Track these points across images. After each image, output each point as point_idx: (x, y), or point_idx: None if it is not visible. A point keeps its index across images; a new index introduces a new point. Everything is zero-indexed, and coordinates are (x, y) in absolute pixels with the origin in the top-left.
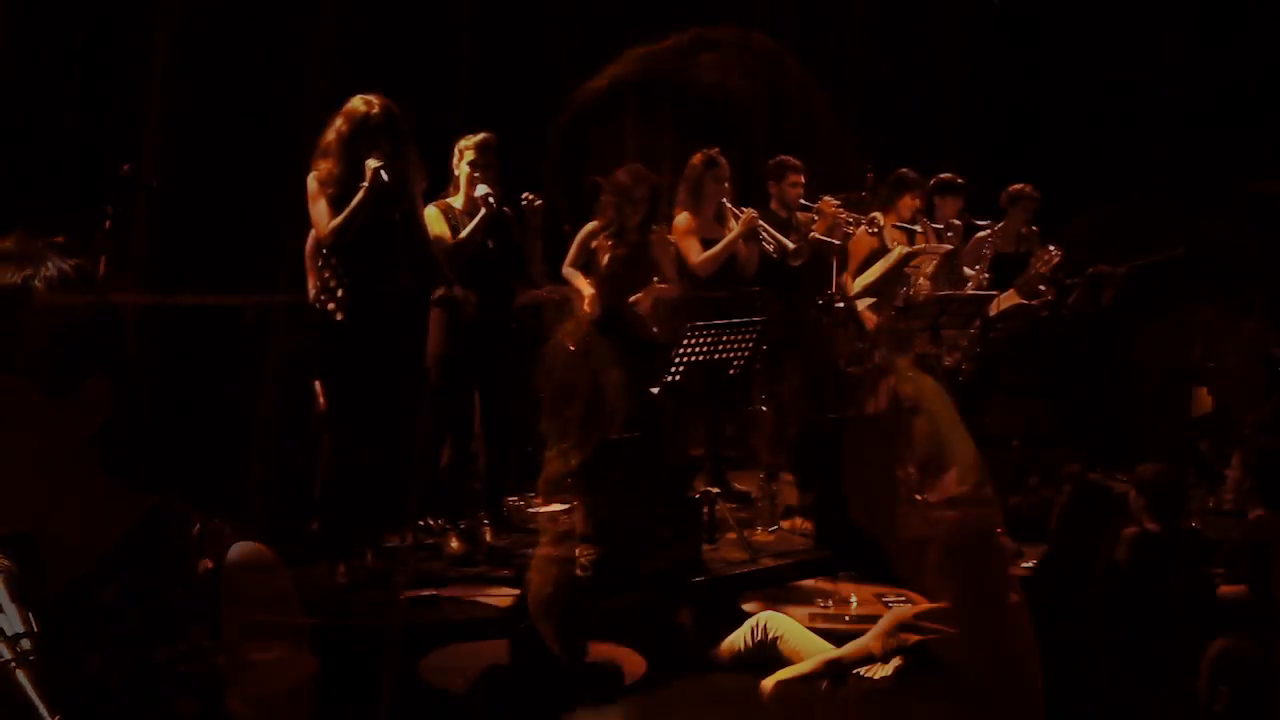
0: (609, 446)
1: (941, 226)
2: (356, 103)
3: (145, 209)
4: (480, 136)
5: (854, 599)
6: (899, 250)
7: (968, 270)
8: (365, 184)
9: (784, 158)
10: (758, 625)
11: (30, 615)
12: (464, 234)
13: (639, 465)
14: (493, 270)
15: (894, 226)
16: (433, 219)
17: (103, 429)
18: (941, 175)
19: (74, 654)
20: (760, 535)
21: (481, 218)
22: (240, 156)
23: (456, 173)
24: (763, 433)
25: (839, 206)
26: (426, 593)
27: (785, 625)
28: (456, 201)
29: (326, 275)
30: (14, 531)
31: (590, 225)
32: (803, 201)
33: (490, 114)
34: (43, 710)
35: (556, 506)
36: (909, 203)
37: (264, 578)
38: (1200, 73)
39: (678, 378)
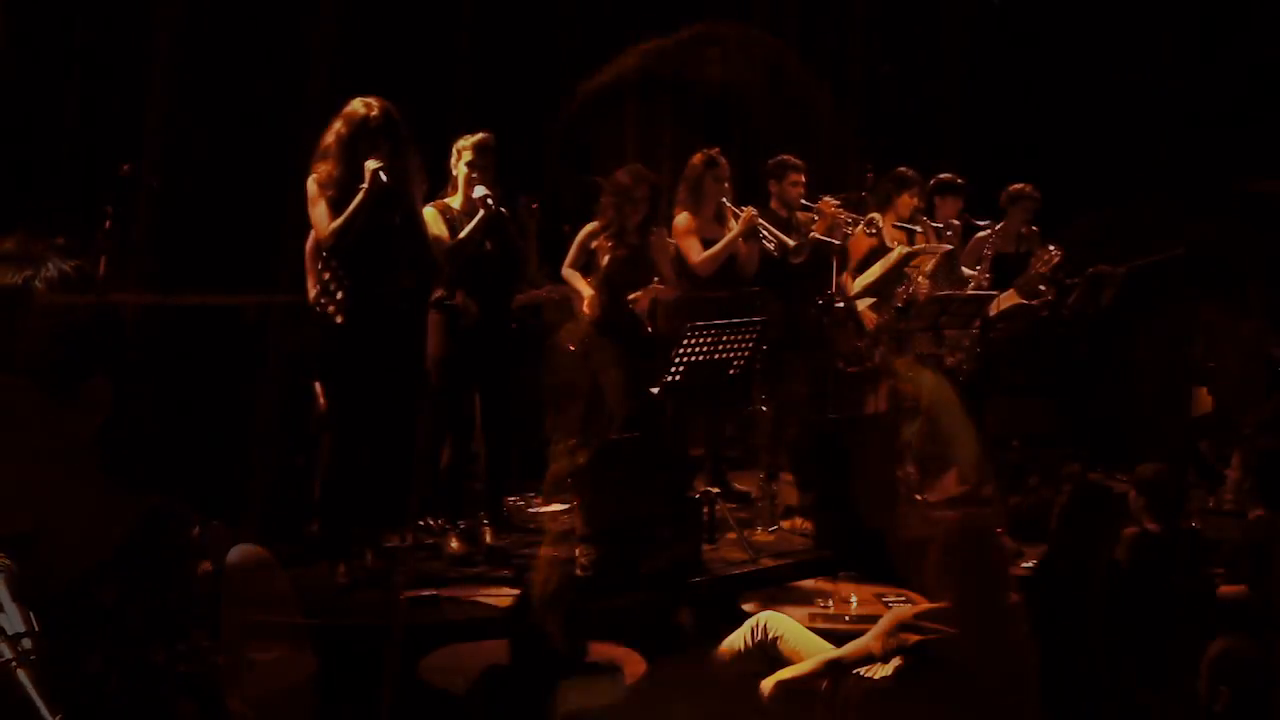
0: (609, 446)
1: (941, 225)
2: (356, 105)
3: (145, 209)
4: (478, 137)
5: (854, 599)
6: (899, 250)
7: (968, 270)
8: (365, 185)
9: (785, 157)
10: (758, 625)
11: (31, 615)
12: (463, 235)
13: (639, 465)
14: (491, 271)
15: (894, 226)
16: (431, 219)
17: (103, 429)
18: (941, 175)
19: (74, 654)
20: (760, 535)
21: (481, 219)
22: (240, 157)
23: (454, 173)
24: (763, 433)
25: (839, 206)
26: (426, 593)
27: (785, 625)
28: (455, 202)
29: (326, 277)
30: (14, 531)
31: (590, 226)
32: (803, 201)
33: (488, 114)
34: (43, 710)
35: (557, 506)
36: (907, 201)
37: (263, 579)
38: (1200, 73)
39: (678, 378)
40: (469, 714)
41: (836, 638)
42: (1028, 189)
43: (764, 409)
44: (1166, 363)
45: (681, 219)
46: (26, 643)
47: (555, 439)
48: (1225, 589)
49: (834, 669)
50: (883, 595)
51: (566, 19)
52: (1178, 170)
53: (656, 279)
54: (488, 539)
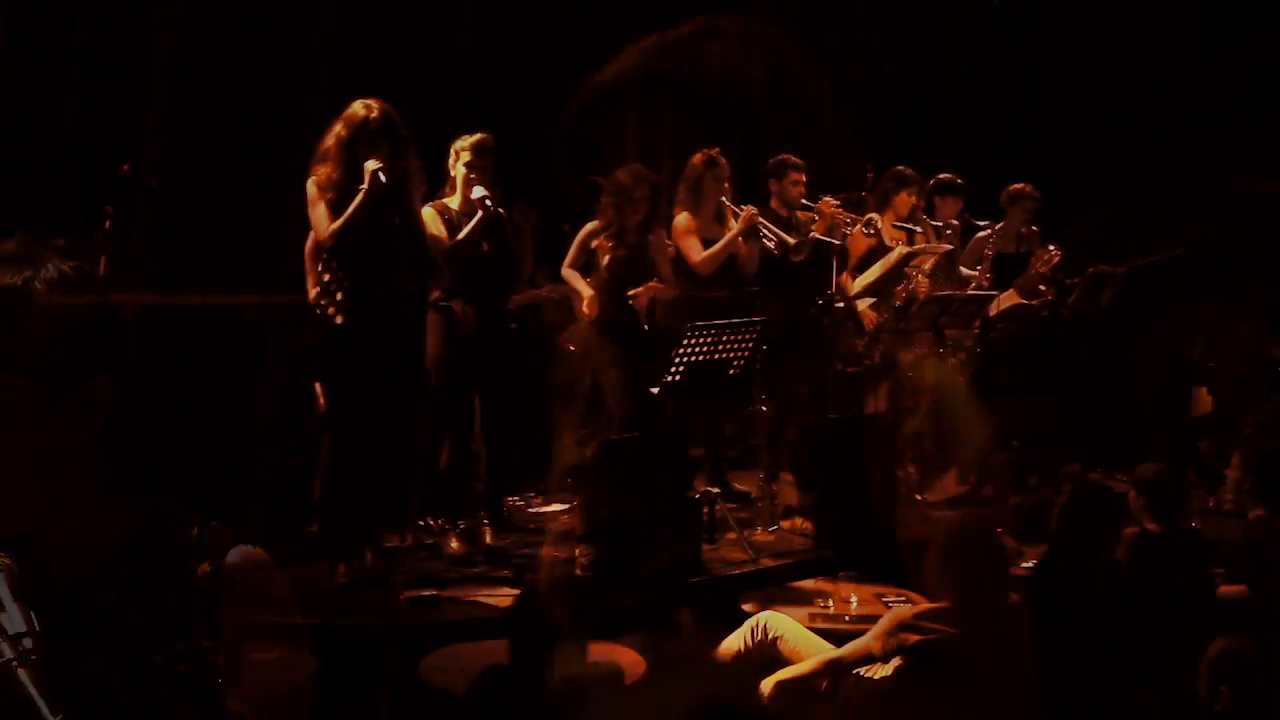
0: (609, 446)
1: (940, 224)
2: (356, 107)
3: (145, 209)
4: (476, 137)
5: (854, 599)
6: (899, 250)
7: (968, 271)
8: (364, 186)
9: (786, 156)
10: (758, 625)
11: (31, 614)
12: (461, 235)
13: (639, 465)
14: (488, 272)
15: (894, 226)
16: (429, 219)
17: (103, 429)
18: (941, 175)
19: (75, 654)
20: (760, 535)
21: (479, 219)
22: (240, 157)
23: (453, 173)
24: (763, 433)
25: (838, 207)
26: (426, 593)
27: (785, 625)
28: (453, 202)
29: (326, 278)
30: (14, 532)
31: (590, 225)
32: (804, 201)
33: (488, 115)
34: (44, 709)
35: (557, 506)
36: (905, 200)
37: (262, 580)
38: (1200, 73)
39: (678, 378)
40: (469, 714)
41: (836, 638)
42: (1028, 189)
43: (764, 409)
44: (1166, 363)
45: (681, 219)
46: (27, 642)
47: (562, 432)
48: (1225, 589)
49: (834, 669)
50: (883, 595)
51: (566, 19)
52: (1178, 170)
53: (656, 279)
54: (488, 539)
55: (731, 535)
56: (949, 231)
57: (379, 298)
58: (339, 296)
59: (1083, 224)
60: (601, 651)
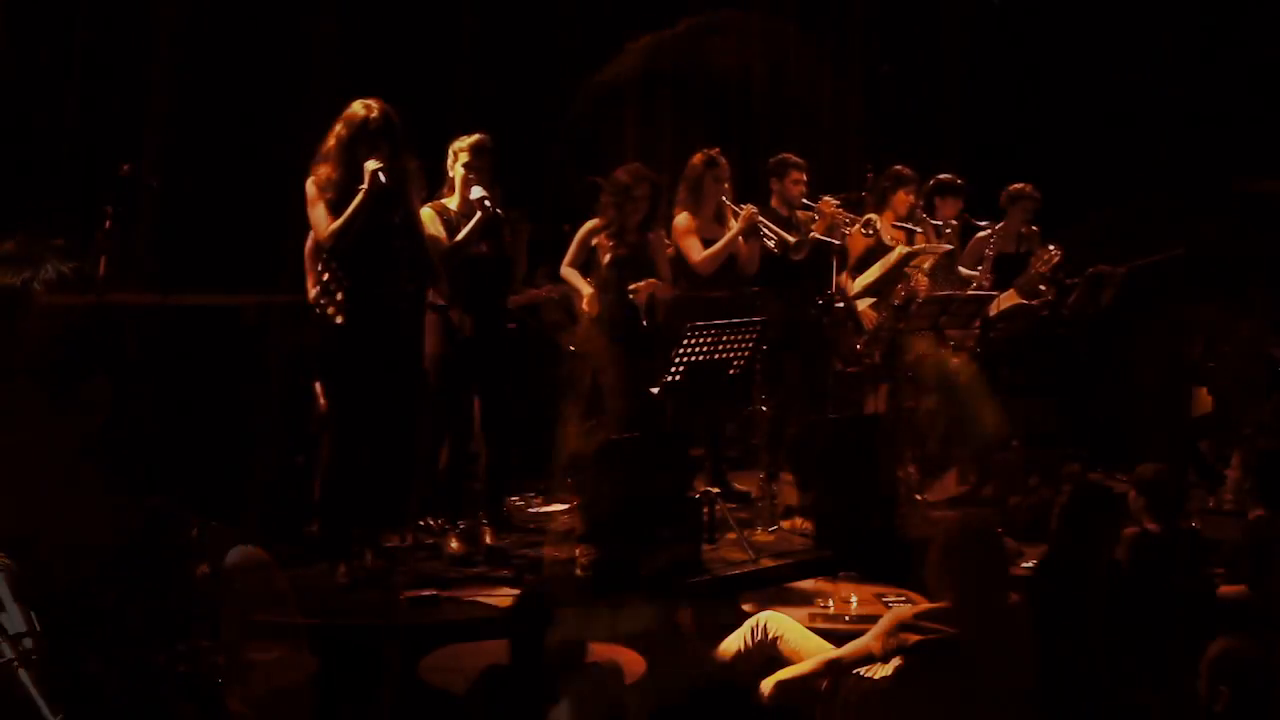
0: (609, 446)
1: (940, 224)
2: (356, 107)
3: (145, 209)
4: (474, 138)
5: (854, 599)
6: (899, 250)
7: (968, 271)
8: (364, 186)
9: (786, 155)
10: (758, 625)
11: (32, 614)
12: (460, 236)
13: (639, 465)
14: (486, 273)
15: (894, 225)
16: (428, 220)
17: (103, 429)
18: (941, 175)
19: (75, 654)
20: (760, 535)
21: (478, 220)
22: (240, 157)
23: (451, 174)
24: (763, 433)
25: (838, 206)
26: (426, 593)
27: (785, 625)
28: (451, 203)
29: (326, 278)
30: (14, 532)
31: (590, 224)
32: (804, 200)
33: (486, 115)
34: (44, 709)
35: (557, 506)
36: (903, 199)
37: (262, 580)
38: (1200, 73)
39: (678, 378)
40: (469, 714)
41: (836, 638)
42: (1028, 189)
43: (764, 409)
44: (1166, 363)
45: (681, 219)
46: (27, 642)
47: (566, 422)
48: (1225, 589)
49: (834, 669)
50: (883, 595)
51: (566, 19)
52: (1178, 170)
53: (655, 279)
54: (488, 539)
55: (731, 535)
56: (948, 231)
57: (379, 297)
58: (339, 296)
59: (1083, 224)
60: (601, 651)
